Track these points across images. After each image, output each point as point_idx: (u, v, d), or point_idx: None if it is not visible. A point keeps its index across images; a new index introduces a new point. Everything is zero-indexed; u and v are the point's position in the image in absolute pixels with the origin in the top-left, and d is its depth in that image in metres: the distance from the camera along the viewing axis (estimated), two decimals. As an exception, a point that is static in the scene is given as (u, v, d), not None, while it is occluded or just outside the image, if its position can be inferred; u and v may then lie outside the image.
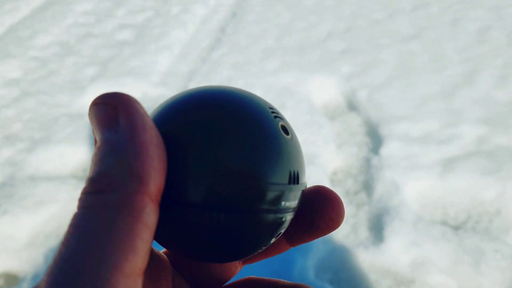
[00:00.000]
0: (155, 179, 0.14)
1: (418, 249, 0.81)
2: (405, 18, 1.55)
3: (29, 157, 1.11)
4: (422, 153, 1.00)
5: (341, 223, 0.19)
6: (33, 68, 1.50)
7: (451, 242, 0.82)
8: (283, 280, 0.20)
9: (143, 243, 0.13)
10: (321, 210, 0.19)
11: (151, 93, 1.34)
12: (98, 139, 0.15)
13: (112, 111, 0.14)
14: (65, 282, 0.13)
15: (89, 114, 0.15)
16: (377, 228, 0.87)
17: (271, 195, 0.17)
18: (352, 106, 1.22)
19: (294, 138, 0.19)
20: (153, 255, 0.19)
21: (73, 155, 1.11)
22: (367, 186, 0.97)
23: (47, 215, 0.95)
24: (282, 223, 0.18)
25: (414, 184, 0.94)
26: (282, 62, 1.38)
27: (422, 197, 0.93)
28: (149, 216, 0.14)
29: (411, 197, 0.92)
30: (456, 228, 0.87)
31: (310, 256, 0.81)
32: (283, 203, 0.17)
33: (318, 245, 0.84)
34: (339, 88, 1.27)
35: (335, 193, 0.19)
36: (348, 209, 0.94)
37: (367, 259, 0.81)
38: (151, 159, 0.14)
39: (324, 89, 1.27)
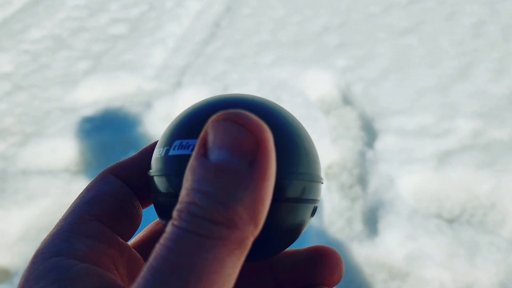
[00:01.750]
0: (262, 225, 0.14)
1: (413, 242, 0.81)
2: (400, 12, 1.55)
3: (21, 151, 1.10)
4: (418, 147, 1.00)
5: (340, 279, 0.20)
6: (25, 62, 1.49)
7: (446, 235, 0.82)
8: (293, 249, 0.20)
9: (234, 281, 0.14)
10: (321, 273, 0.19)
11: (145, 87, 1.33)
12: (220, 158, 0.14)
13: (253, 142, 0.14)
14: None
15: (216, 123, 0.14)
16: (372, 222, 0.87)
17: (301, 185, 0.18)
18: (347, 100, 1.22)
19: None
20: (129, 255, 0.19)
21: (65, 149, 1.10)
22: (362, 180, 0.97)
23: (39, 209, 0.95)
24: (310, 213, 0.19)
25: (409, 177, 0.94)
26: (277, 56, 1.38)
27: (417, 191, 0.93)
28: (244, 257, 0.14)
29: (406, 191, 0.92)
30: (451, 221, 0.87)
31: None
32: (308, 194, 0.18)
33: (312, 238, 0.84)
34: (334, 82, 1.27)
35: (336, 253, 0.19)
36: (343, 203, 0.94)
37: (362, 253, 0.81)
38: (267, 206, 0.14)
39: (319, 83, 1.27)
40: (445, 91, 1.17)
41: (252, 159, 0.14)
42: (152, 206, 0.20)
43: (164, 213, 0.18)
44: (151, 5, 1.78)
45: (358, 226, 0.88)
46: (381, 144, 1.02)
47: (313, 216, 0.19)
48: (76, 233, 0.17)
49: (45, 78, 1.40)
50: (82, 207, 0.18)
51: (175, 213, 0.14)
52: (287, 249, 0.20)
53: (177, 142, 0.17)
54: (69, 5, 1.83)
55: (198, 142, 0.15)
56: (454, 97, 1.14)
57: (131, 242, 0.21)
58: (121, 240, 0.19)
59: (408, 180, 0.94)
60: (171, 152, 0.17)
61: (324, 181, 0.97)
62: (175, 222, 0.13)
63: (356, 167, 1.01)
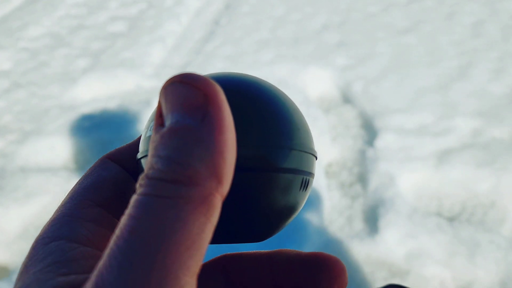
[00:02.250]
0: (228, 183, 0.13)
1: (413, 240, 0.81)
2: (400, 11, 1.55)
3: (20, 149, 1.09)
4: (417, 145, 1.00)
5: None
6: (24, 60, 1.48)
7: (446, 233, 0.82)
8: (262, 251, 0.20)
9: (206, 245, 0.13)
10: (323, 281, 0.19)
11: (144, 85, 1.32)
12: (172, 121, 0.14)
13: (201, 98, 0.14)
14: (131, 278, 0.12)
15: (165, 90, 0.14)
16: (372, 220, 0.87)
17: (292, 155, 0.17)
18: (347, 98, 1.22)
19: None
20: None
21: (64, 147, 1.09)
22: (362, 178, 0.97)
23: (38, 207, 0.94)
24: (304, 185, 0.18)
25: (409, 176, 0.94)
26: (276, 54, 1.37)
27: (417, 189, 0.93)
28: (216, 217, 0.13)
29: (406, 189, 0.92)
30: (451, 219, 0.87)
31: (304, 248, 0.81)
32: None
33: (312, 237, 0.84)
34: (334, 81, 1.27)
35: (340, 262, 0.19)
36: (343, 201, 0.94)
37: (362, 251, 0.81)
38: (230, 161, 0.13)
39: (319, 82, 1.27)
40: (444, 90, 1.17)
41: (204, 115, 0.13)
42: None
43: None
44: (150, 3, 1.77)
45: (358, 224, 0.88)
46: (381, 142, 1.02)
47: (306, 190, 0.19)
48: (76, 218, 0.16)
49: (43, 76, 1.39)
50: (81, 193, 0.18)
51: (137, 185, 0.14)
52: (288, 251, 0.19)
53: (153, 122, 0.17)
54: (68, 3, 1.82)
55: (155, 115, 0.15)
56: (453, 96, 1.14)
57: None
58: None
59: (408, 179, 0.94)
60: (148, 133, 0.17)
61: (324, 178, 0.97)
62: (137, 191, 0.13)
63: (356, 166, 1.01)
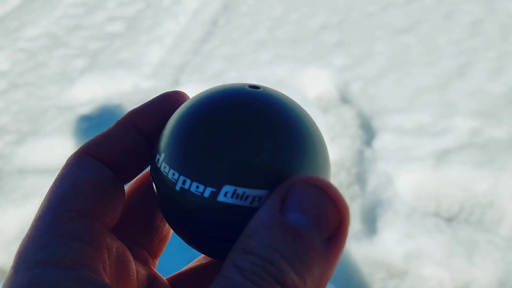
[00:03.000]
0: None
1: (411, 241, 0.81)
2: (398, 10, 1.55)
3: (17, 150, 1.09)
4: (416, 146, 1.00)
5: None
6: (21, 60, 1.48)
7: (444, 234, 0.82)
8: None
9: None
10: None
11: (142, 85, 1.32)
12: (299, 222, 0.13)
13: (337, 220, 0.14)
14: None
15: (302, 187, 0.14)
16: (370, 221, 0.87)
17: None
18: (345, 98, 1.21)
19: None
20: (117, 248, 0.18)
21: (62, 148, 1.09)
22: (360, 179, 0.97)
23: (35, 208, 0.94)
24: None
25: (407, 176, 0.94)
26: (275, 54, 1.37)
27: (415, 189, 0.93)
28: None
29: (404, 189, 0.92)
30: (449, 220, 0.87)
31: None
32: None
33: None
34: (332, 81, 1.26)
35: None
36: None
37: (360, 252, 0.81)
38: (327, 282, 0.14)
39: (317, 82, 1.27)
40: (443, 90, 1.16)
41: (331, 236, 0.14)
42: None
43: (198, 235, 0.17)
44: (148, 3, 1.77)
45: (356, 225, 0.88)
46: (379, 143, 1.02)
47: None
48: (59, 235, 0.15)
49: (41, 76, 1.39)
50: (60, 202, 0.16)
51: (244, 262, 0.13)
52: None
53: (228, 188, 0.15)
54: (66, 3, 1.81)
55: (275, 196, 0.14)
56: (452, 96, 1.14)
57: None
58: (108, 233, 0.17)
59: (406, 179, 0.94)
60: (221, 199, 0.15)
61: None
62: (245, 273, 0.13)
63: (354, 166, 1.01)
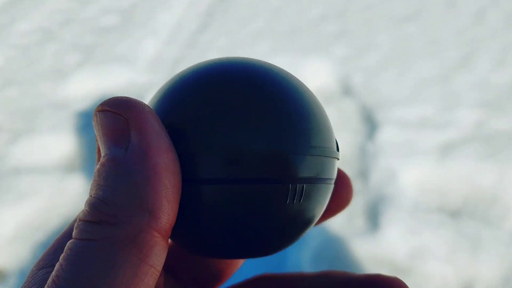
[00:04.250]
0: (168, 212, 0.12)
1: (415, 236, 0.80)
2: (400, 0, 1.52)
3: (12, 149, 1.08)
4: (419, 139, 0.99)
5: (351, 200, 0.17)
6: (14, 57, 1.45)
7: (448, 229, 0.81)
8: (307, 272, 0.18)
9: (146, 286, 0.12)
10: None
11: (138, 79, 1.30)
12: (102, 153, 0.12)
13: (123, 124, 0.12)
14: None
15: (93, 121, 0.13)
16: (373, 216, 0.86)
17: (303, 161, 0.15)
18: (346, 90, 1.20)
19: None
20: None
21: (57, 146, 1.08)
22: (363, 174, 0.96)
23: (31, 208, 0.93)
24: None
25: (411, 170, 0.93)
26: (273, 46, 1.35)
27: (419, 184, 0.92)
28: (158, 257, 0.12)
29: (408, 184, 0.91)
30: (454, 215, 0.86)
31: (304, 246, 0.80)
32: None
33: (312, 234, 0.83)
34: (333, 73, 1.25)
35: (342, 170, 0.17)
36: (343, 198, 0.92)
37: (363, 249, 0.80)
38: (165, 188, 0.12)
39: (317, 74, 1.25)
40: (446, 81, 1.15)
41: (127, 143, 0.12)
42: None
43: None
44: (143, -6, 1.74)
45: (359, 221, 0.87)
46: (381, 136, 1.01)
47: (326, 198, 0.17)
48: None
49: (35, 72, 1.37)
50: None
51: None
52: (335, 273, 0.18)
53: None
54: (59, -4, 1.78)
55: (96, 149, 0.14)
56: (455, 87, 1.13)
57: None
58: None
59: (410, 173, 0.93)
60: None
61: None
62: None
63: (356, 160, 0.99)
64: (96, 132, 0.13)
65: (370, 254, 0.80)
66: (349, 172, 0.98)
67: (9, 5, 1.75)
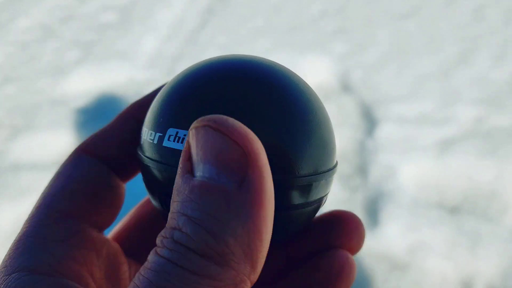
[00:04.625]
0: (260, 268, 0.11)
1: (414, 233, 0.80)
2: (399, -4, 1.52)
3: (11, 145, 1.08)
4: (418, 135, 0.99)
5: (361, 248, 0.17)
6: (13, 53, 1.45)
7: (447, 225, 0.81)
8: None
9: None
10: (338, 237, 0.17)
11: (138, 76, 1.30)
12: (205, 175, 0.11)
13: (240, 156, 0.11)
14: None
15: (196, 132, 0.12)
16: (372, 213, 0.86)
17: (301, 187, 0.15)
18: (346, 87, 1.20)
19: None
20: (108, 251, 0.17)
21: (56, 142, 1.08)
22: (362, 170, 0.96)
23: (30, 205, 0.93)
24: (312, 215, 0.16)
25: (410, 166, 0.93)
26: (273, 42, 1.35)
27: (418, 180, 0.92)
28: None
29: (407, 180, 0.91)
30: (453, 211, 0.86)
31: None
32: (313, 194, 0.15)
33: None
34: (332, 69, 1.25)
35: (355, 216, 0.17)
36: (342, 193, 0.92)
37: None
38: (267, 242, 0.11)
39: (317, 70, 1.25)
40: (445, 78, 1.15)
41: (242, 177, 0.11)
42: (136, 179, 0.18)
43: (156, 194, 0.16)
44: (142, -9, 1.73)
45: (358, 217, 0.87)
46: (381, 132, 1.01)
47: (319, 209, 0.17)
48: (42, 238, 0.15)
49: (34, 69, 1.37)
50: (49, 201, 0.16)
51: (158, 240, 0.12)
52: None
53: (171, 131, 0.15)
54: (58, -7, 1.78)
55: (182, 155, 0.12)
56: (455, 84, 1.13)
57: (112, 233, 0.19)
58: (98, 235, 0.16)
59: (409, 169, 0.93)
60: (166, 143, 0.15)
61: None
62: (158, 250, 0.11)
63: (355, 157, 0.99)
64: (196, 145, 0.12)
65: (369, 250, 0.80)
66: (348, 168, 0.98)
67: (8, 2, 1.75)
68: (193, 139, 0.12)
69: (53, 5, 1.70)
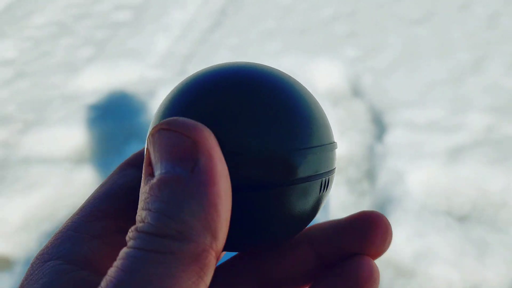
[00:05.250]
0: (224, 236, 0.12)
1: (421, 239, 0.80)
2: (411, 1, 1.51)
3: (23, 139, 1.09)
4: (428, 141, 0.98)
5: (387, 249, 0.17)
6: (28, 49, 1.47)
7: (455, 233, 0.80)
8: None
9: None
10: (364, 241, 0.17)
11: (148, 75, 1.31)
12: (162, 171, 0.13)
13: (191, 146, 0.13)
14: None
15: (152, 137, 0.13)
16: (379, 218, 0.85)
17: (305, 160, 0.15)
18: (356, 91, 1.19)
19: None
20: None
21: (67, 138, 1.09)
22: (370, 175, 0.95)
23: (40, 198, 0.94)
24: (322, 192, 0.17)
25: (419, 173, 0.92)
26: (283, 45, 1.35)
27: (427, 187, 0.91)
28: (210, 276, 0.12)
29: (415, 187, 0.90)
30: (461, 218, 0.85)
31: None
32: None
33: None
34: (343, 73, 1.24)
35: (383, 217, 0.17)
36: (350, 198, 0.92)
37: (368, 249, 0.80)
38: (225, 213, 0.12)
39: (327, 74, 1.24)
40: (457, 84, 1.14)
41: (194, 164, 0.12)
42: None
43: None
44: (156, -9, 1.75)
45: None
46: (390, 137, 1.00)
47: (327, 189, 0.17)
48: (81, 232, 0.16)
49: (47, 65, 1.38)
50: (93, 202, 0.17)
51: (126, 238, 0.13)
52: (328, 220, 0.19)
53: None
54: (73, -10, 1.80)
55: (144, 163, 0.14)
56: (466, 91, 1.11)
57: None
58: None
59: (418, 176, 0.92)
60: None
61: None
62: (127, 244, 0.12)
63: (364, 161, 0.99)
64: (153, 149, 0.13)
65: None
66: (356, 172, 0.97)
67: (24, -2, 1.77)
68: (150, 145, 0.13)
69: (68, 3, 1.72)
